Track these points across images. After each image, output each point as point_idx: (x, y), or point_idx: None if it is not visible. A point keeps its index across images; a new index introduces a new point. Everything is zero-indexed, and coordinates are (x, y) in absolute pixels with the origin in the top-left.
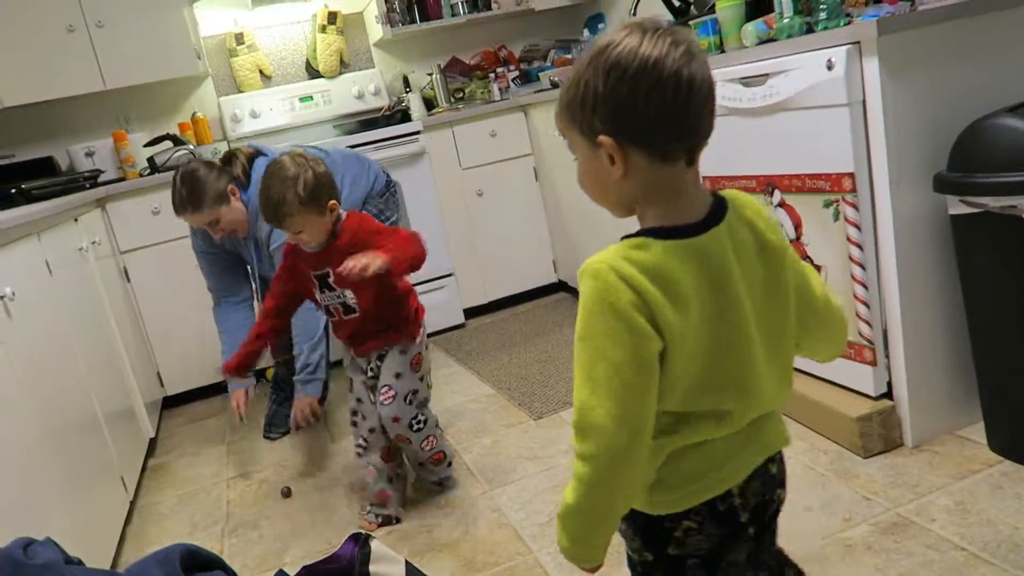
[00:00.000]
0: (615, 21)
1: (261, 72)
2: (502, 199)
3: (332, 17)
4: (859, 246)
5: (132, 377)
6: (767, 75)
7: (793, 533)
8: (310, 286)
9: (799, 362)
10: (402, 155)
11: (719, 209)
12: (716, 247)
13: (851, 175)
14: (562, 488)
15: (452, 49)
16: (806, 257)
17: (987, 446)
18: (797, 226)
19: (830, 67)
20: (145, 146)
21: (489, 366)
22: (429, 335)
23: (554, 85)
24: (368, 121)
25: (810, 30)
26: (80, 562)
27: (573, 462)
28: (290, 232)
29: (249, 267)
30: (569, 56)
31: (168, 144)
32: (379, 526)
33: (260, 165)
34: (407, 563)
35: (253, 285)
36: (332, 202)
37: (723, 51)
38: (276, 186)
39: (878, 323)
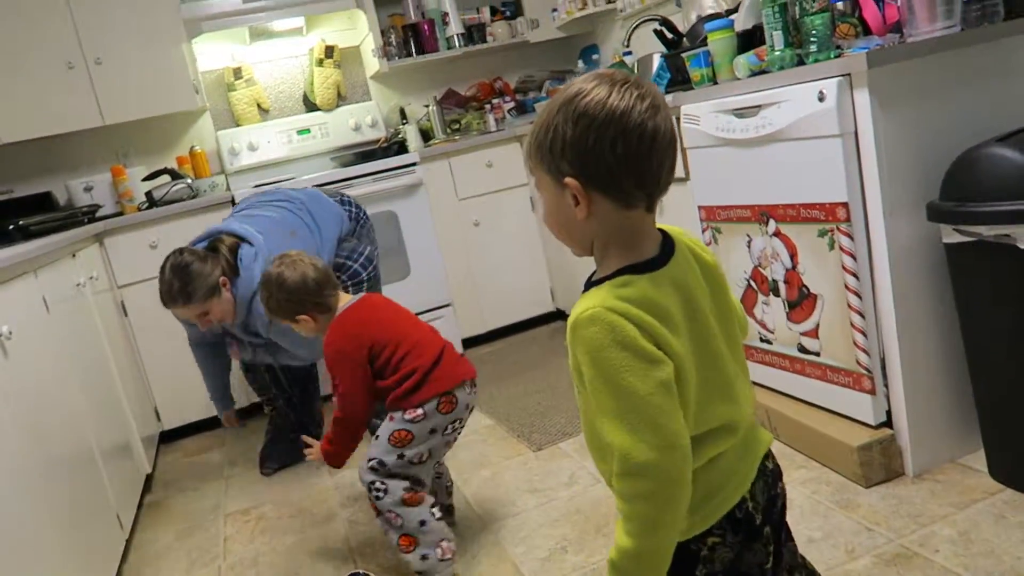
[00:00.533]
0: (609, 52)
1: (259, 106)
2: (499, 229)
3: (329, 51)
4: (855, 275)
5: (129, 412)
6: (760, 106)
7: None
8: None
9: (800, 390)
10: (399, 186)
11: (669, 241)
12: (680, 275)
13: (845, 205)
14: (562, 522)
15: (448, 81)
16: (803, 286)
17: (988, 474)
18: (793, 255)
19: (821, 98)
20: (143, 180)
21: (488, 397)
22: None
23: None
24: (365, 153)
25: (801, 62)
26: None
27: (620, 507)
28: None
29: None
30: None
31: (166, 178)
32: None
33: (247, 254)
34: None
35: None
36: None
37: (716, 83)
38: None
39: (876, 352)
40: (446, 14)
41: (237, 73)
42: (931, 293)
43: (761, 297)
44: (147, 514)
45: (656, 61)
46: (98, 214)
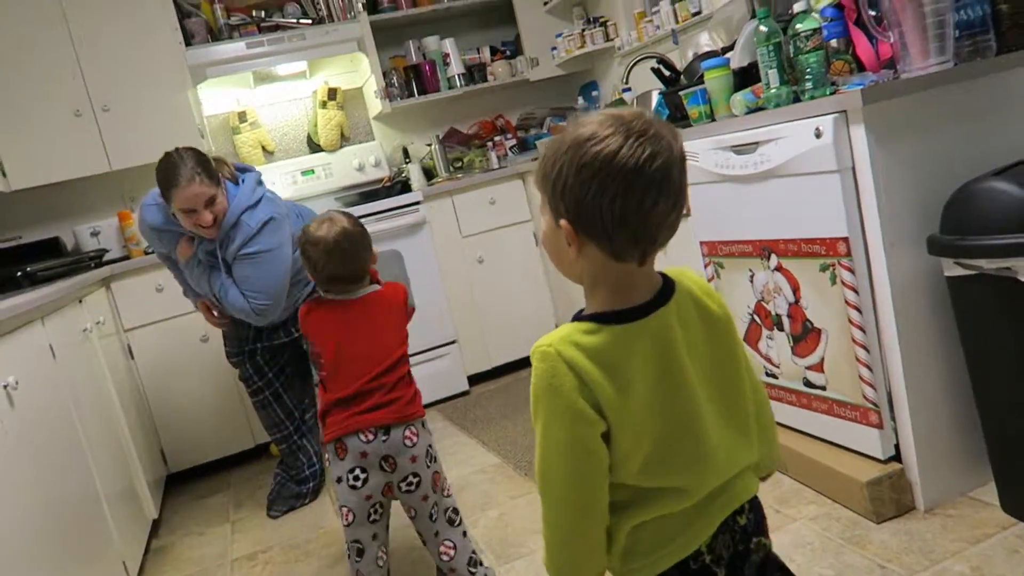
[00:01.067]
0: (608, 89)
1: (263, 148)
2: (503, 265)
3: (332, 93)
4: (858, 309)
5: (135, 456)
6: (758, 143)
7: None
8: None
9: (807, 424)
10: (403, 225)
11: (667, 289)
12: (663, 328)
13: (845, 239)
14: None
15: (450, 120)
16: (806, 320)
17: (1000, 508)
18: (795, 290)
19: (818, 135)
20: None
21: (494, 434)
22: (433, 403)
23: None
24: (369, 192)
25: (797, 99)
26: None
27: None
28: None
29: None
30: (564, 124)
31: None
32: None
33: (249, 176)
34: None
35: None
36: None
37: (713, 119)
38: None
39: (882, 386)
40: (447, 55)
41: (242, 116)
42: (935, 326)
43: (765, 332)
44: (153, 560)
45: (655, 98)
46: (105, 258)
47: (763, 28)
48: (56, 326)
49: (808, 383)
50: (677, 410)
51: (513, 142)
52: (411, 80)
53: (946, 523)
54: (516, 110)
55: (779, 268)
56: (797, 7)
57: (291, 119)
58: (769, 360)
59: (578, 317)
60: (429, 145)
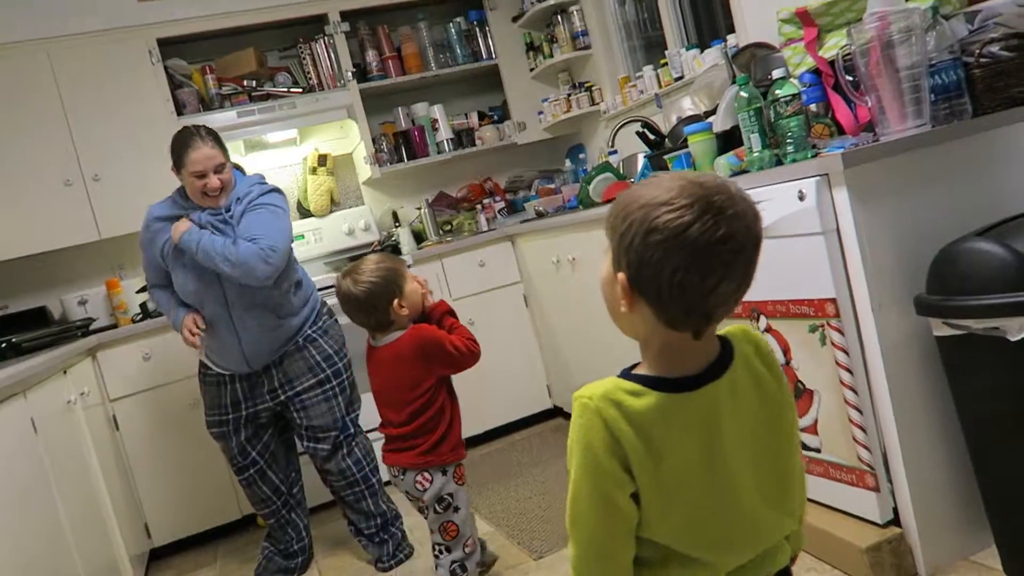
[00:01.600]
0: (595, 151)
1: None
2: (493, 327)
3: (322, 159)
4: (849, 370)
5: (117, 531)
6: None
7: None
8: None
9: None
10: None
11: (722, 360)
12: (710, 404)
13: (833, 300)
14: None
15: (439, 184)
16: (798, 381)
17: (1003, 572)
18: (786, 351)
19: (802, 198)
20: (138, 292)
21: (487, 500)
22: None
23: (539, 215)
24: (359, 256)
25: (779, 162)
26: None
27: None
28: None
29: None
30: (552, 186)
31: None
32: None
33: (249, 180)
34: None
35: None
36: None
37: None
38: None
39: (877, 447)
40: (435, 120)
41: None
42: (927, 386)
43: None
44: None
45: (640, 161)
46: (92, 327)
47: (743, 94)
48: (39, 399)
49: (803, 445)
50: (713, 486)
51: (502, 205)
52: (400, 145)
53: None
54: (504, 173)
55: (768, 329)
56: (776, 73)
57: (281, 185)
58: None
59: (626, 373)
60: (419, 209)
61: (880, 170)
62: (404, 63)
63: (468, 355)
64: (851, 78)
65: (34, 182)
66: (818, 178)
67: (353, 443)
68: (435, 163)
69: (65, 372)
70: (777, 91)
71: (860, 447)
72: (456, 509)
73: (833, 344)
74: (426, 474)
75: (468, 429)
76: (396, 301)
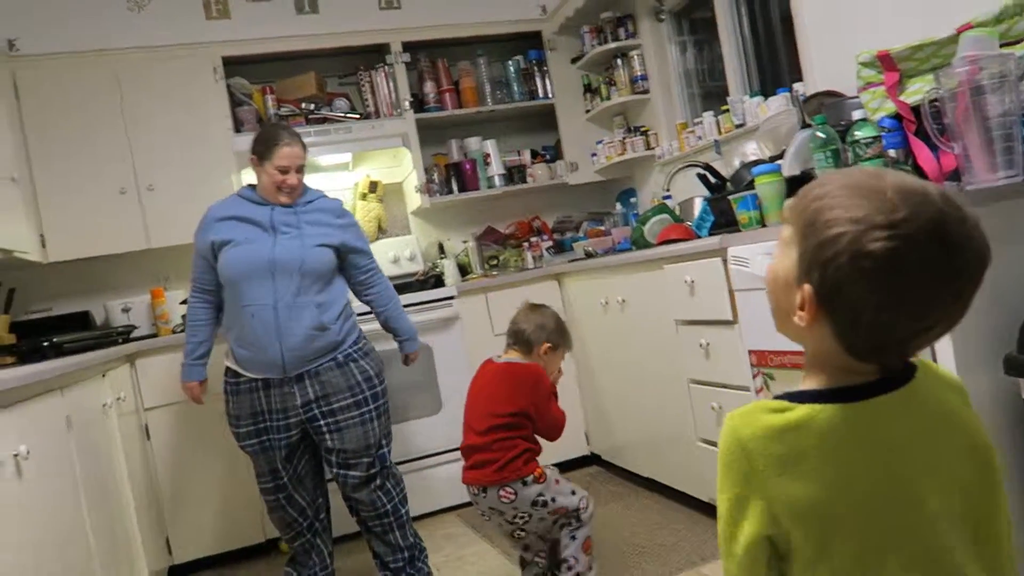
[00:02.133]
0: (647, 195)
1: None
2: None
3: (373, 186)
4: None
5: (140, 542)
6: None
7: None
8: None
9: None
10: (436, 319)
11: (902, 374)
12: (888, 417)
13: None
14: None
15: (487, 218)
16: None
17: None
18: None
19: None
20: (182, 303)
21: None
22: (451, 508)
23: (588, 255)
24: (403, 285)
25: None
26: None
27: None
28: None
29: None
30: (602, 227)
31: None
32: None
33: (312, 190)
34: None
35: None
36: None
37: (764, 226)
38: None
39: None
40: (488, 155)
41: None
42: (1016, 450)
43: None
44: None
45: (698, 204)
46: (133, 335)
47: (820, 134)
48: (76, 398)
49: None
50: (896, 525)
51: (549, 243)
52: (451, 177)
53: None
54: (553, 212)
55: None
56: (856, 114)
57: None
58: None
59: (783, 396)
60: (465, 242)
61: None
62: (461, 97)
63: (556, 421)
64: (937, 124)
65: (91, 188)
66: None
67: (386, 474)
68: (484, 197)
69: (104, 376)
70: (856, 133)
71: None
72: (553, 500)
73: None
74: (508, 488)
75: None
76: (547, 346)
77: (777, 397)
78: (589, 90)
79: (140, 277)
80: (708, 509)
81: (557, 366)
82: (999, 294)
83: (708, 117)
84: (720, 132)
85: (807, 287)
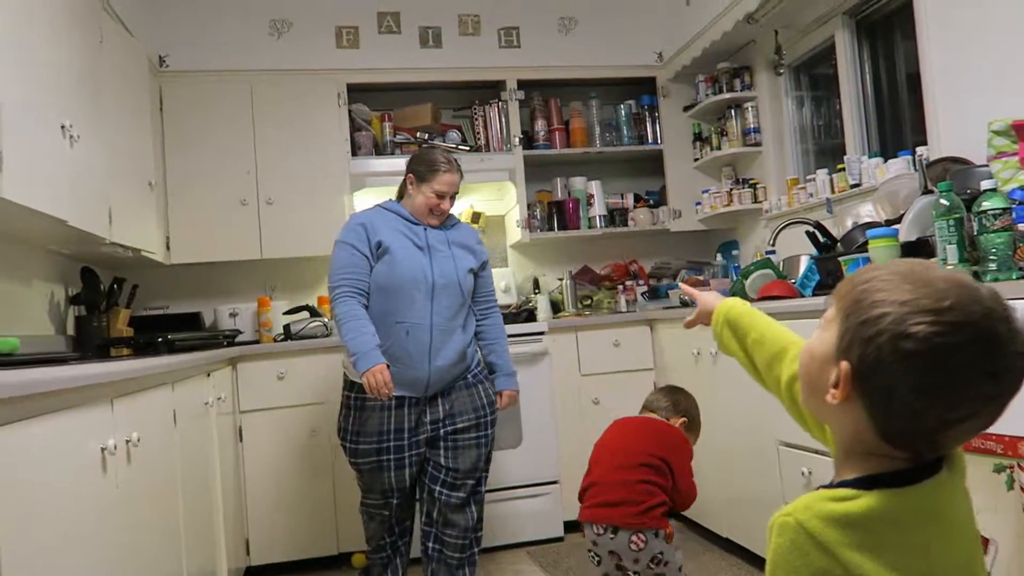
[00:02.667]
0: (750, 249)
1: None
2: (619, 411)
3: (476, 216)
4: None
5: (223, 541)
6: None
7: None
8: None
9: None
10: (525, 353)
11: (936, 464)
12: (941, 498)
13: None
14: None
15: (584, 258)
16: None
17: None
18: None
19: None
20: (284, 313)
21: None
22: (523, 544)
23: (684, 303)
24: None
25: (976, 279)
26: None
27: None
28: None
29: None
30: (700, 277)
31: (305, 314)
32: None
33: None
34: None
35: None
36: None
37: None
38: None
39: None
40: (591, 195)
41: None
42: None
43: None
44: None
45: (804, 262)
46: (237, 339)
47: (944, 201)
48: (183, 394)
49: None
50: None
51: (644, 288)
52: (553, 215)
53: None
54: (651, 258)
55: None
56: (984, 184)
57: None
58: None
59: (838, 484)
60: (560, 279)
61: None
62: (570, 136)
63: (693, 488)
64: None
65: (216, 197)
66: None
67: (479, 499)
68: (584, 237)
69: (208, 375)
70: (984, 203)
71: None
72: (666, 564)
73: (1022, 490)
74: (641, 535)
75: (573, 513)
76: (683, 421)
77: (830, 486)
78: (699, 139)
79: (250, 285)
80: None
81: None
82: None
83: (822, 174)
84: (833, 191)
85: (844, 364)
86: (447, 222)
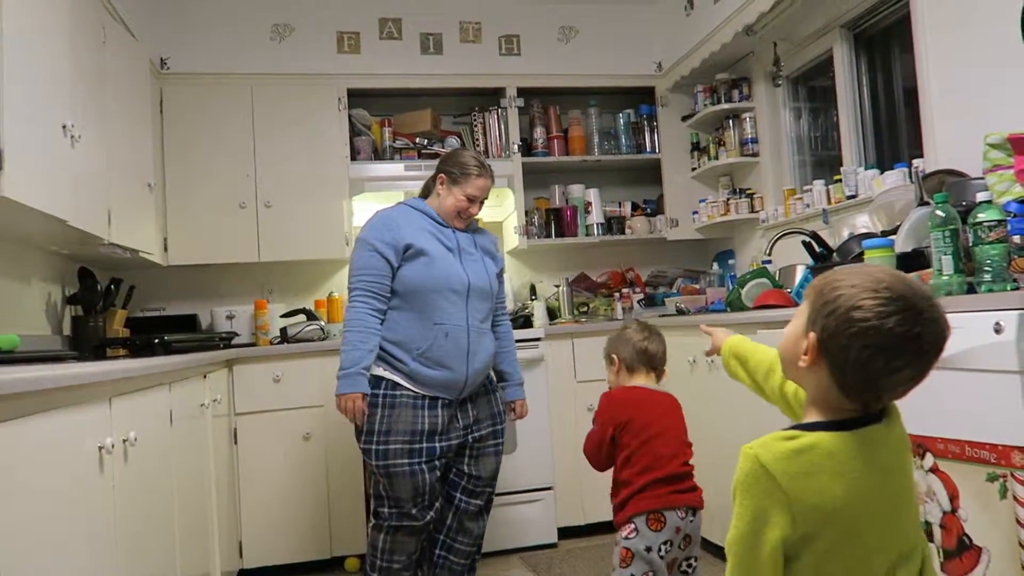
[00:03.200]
0: (746, 258)
1: None
2: None
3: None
4: None
5: (216, 542)
6: None
7: None
8: None
9: None
10: (521, 359)
11: (880, 414)
12: (875, 443)
13: (1022, 449)
14: None
15: (581, 265)
16: (964, 535)
17: None
18: (953, 497)
19: (998, 330)
20: (281, 316)
21: None
22: (516, 550)
23: (680, 311)
24: None
25: (971, 290)
26: None
27: None
28: None
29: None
30: (696, 286)
31: (302, 318)
32: None
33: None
34: None
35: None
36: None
37: None
38: None
39: None
40: (589, 203)
41: None
42: None
43: None
44: None
45: (800, 272)
46: (233, 341)
47: (940, 213)
48: (180, 394)
49: None
50: (880, 528)
51: (641, 296)
52: (551, 222)
53: None
54: (648, 266)
55: (935, 470)
56: (980, 196)
57: None
58: None
59: (791, 428)
60: (557, 286)
61: None
62: (569, 144)
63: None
64: None
65: (215, 199)
66: (1021, 312)
67: (490, 507)
68: (581, 244)
69: (205, 376)
70: (980, 215)
71: None
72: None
73: (1016, 499)
74: (701, 516)
75: (568, 519)
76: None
77: (786, 429)
78: (697, 148)
79: (247, 288)
80: None
81: None
82: None
83: (818, 185)
84: (830, 201)
85: (812, 335)
86: (470, 225)
